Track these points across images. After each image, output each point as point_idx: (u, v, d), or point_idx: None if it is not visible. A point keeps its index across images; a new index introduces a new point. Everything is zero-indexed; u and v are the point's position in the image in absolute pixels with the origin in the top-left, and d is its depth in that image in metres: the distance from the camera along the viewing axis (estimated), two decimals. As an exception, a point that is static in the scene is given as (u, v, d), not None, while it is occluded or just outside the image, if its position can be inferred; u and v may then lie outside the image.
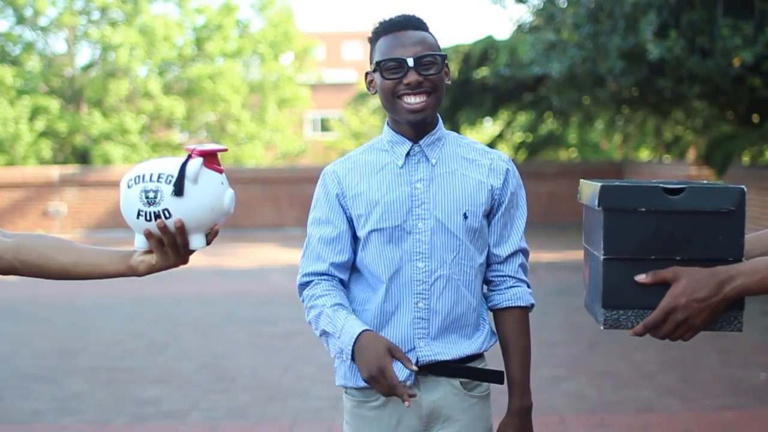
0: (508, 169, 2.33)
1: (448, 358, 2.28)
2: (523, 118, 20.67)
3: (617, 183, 1.82)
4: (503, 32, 48.30)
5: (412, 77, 2.19)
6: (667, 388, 6.01)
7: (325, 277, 2.30)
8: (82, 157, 24.86)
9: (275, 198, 18.65)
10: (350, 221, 2.30)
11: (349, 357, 2.17)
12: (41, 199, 18.56)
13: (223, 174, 1.92)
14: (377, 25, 2.29)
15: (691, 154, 17.31)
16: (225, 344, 7.67)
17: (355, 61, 46.62)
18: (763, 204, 11.38)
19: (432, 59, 2.21)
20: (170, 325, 8.62)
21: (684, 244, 1.79)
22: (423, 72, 2.20)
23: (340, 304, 2.24)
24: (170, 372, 6.68)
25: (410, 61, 2.19)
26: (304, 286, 2.32)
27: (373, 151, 2.33)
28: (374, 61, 2.26)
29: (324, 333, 2.24)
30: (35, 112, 24.09)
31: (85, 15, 25.83)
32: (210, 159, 1.88)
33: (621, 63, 10.04)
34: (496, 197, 2.30)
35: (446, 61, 2.27)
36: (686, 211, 1.78)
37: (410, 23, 2.25)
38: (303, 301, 2.32)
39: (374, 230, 2.26)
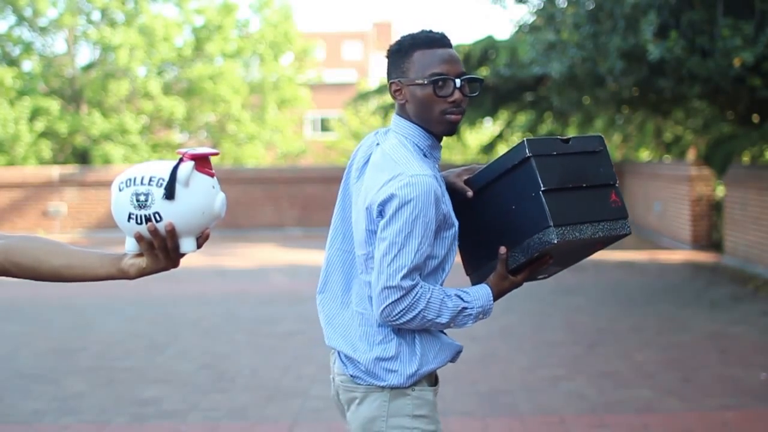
0: None
1: None
2: (523, 118, 20.64)
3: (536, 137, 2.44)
4: (503, 32, 48.34)
5: (457, 96, 2.39)
6: (667, 388, 6.00)
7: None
8: (82, 157, 24.86)
9: (275, 198, 18.64)
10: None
11: (491, 309, 2.46)
12: (41, 199, 18.55)
13: (215, 178, 1.91)
14: (411, 37, 2.42)
15: (691, 154, 17.30)
16: (225, 344, 7.66)
17: (355, 61, 46.59)
18: (763, 204, 11.35)
19: (475, 80, 2.42)
20: (170, 325, 8.62)
21: (582, 175, 2.43)
22: (467, 92, 2.42)
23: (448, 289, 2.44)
24: (170, 372, 6.68)
25: (458, 82, 2.39)
26: (410, 288, 2.34)
27: (418, 157, 2.42)
28: (420, 74, 2.38)
29: (461, 311, 2.40)
30: (35, 113, 24.07)
31: (84, 15, 25.82)
32: (201, 162, 1.87)
33: (621, 63, 10.01)
34: None
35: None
36: (576, 152, 2.45)
37: (446, 41, 2.43)
38: (413, 301, 2.34)
39: (455, 232, 2.45)
